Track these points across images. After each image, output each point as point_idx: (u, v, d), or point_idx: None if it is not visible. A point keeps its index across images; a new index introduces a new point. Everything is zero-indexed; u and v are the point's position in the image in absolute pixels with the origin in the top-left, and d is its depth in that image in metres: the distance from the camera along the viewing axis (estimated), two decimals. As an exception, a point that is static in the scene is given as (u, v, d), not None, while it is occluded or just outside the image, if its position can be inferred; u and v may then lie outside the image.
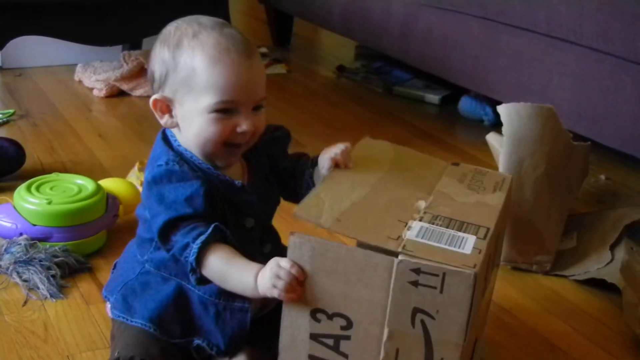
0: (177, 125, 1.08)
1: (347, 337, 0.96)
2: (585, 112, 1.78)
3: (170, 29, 1.07)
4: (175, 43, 1.05)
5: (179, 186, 1.03)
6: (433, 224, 0.99)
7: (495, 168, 1.52)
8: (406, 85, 2.79)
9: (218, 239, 1.01)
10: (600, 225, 1.62)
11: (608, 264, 1.48)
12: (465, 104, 2.54)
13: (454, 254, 0.93)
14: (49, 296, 1.35)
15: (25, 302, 1.34)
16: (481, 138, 1.74)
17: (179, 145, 1.09)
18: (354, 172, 1.10)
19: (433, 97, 2.69)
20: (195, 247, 1.00)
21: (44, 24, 2.22)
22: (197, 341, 1.09)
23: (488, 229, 1.00)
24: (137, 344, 1.07)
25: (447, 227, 0.99)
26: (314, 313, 0.97)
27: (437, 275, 0.90)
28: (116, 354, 1.06)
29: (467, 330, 0.91)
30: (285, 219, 1.67)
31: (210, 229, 1.00)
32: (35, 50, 2.75)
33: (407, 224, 0.98)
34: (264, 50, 3.20)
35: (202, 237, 1.00)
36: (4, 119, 2.24)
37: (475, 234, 0.98)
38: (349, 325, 0.96)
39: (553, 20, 1.83)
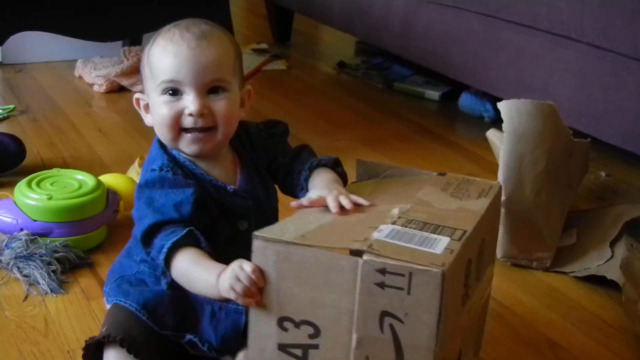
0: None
1: (316, 346, 0.91)
2: (585, 108, 1.78)
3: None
4: (148, 44, 1.11)
5: (170, 192, 1.04)
6: (406, 226, 0.94)
7: (496, 164, 1.52)
8: (406, 82, 2.79)
9: (190, 243, 1.01)
10: (600, 221, 1.62)
11: (608, 260, 1.48)
12: (465, 101, 2.54)
13: (423, 254, 0.87)
14: (49, 291, 1.35)
15: (26, 297, 1.35)
16: (481, 134, 1.74)
17: (171, 156, 1.10)
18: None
19: (433, 94, 2.69)
20: (165, 248, 1.00)
21: (44, 20, 2.21)
22: (189, 337, 1.09)
23: (465, 232, 0.94)
24: (126, 327, 1.06)
25: (420, 230, 0.94)
26: (281, 321, 0.91)
27: (403, 276, 0.84)
28: (104, 330, 1.06)
29: (438, 334, 0.85)
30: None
31: (184, 232, 1.00)
32: (36, 46, 2.75)
33: (377, 228, 0.93)
34: (264, 46, 3.20)
35: (174, 239, 1.00)
36: (4, 115, 2.24)
37: (450, 236, 0.92)
38: (317, 333, 0.90)
39: (554, 16, 1.83)
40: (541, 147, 1.49)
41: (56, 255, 1.42)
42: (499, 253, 1.54)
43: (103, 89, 2.52)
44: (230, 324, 1.08)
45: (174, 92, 1.05)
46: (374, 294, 0.86)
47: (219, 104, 1.06)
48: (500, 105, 1.51)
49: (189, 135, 1.07)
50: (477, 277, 1.02)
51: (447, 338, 0.89)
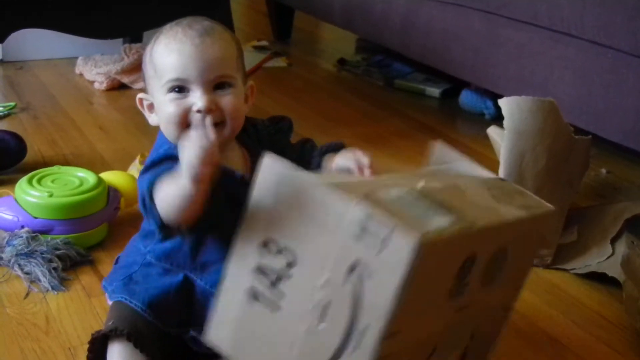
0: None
1: (289, 276, 0.89)
2: (586, 105, 1.78)
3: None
4: (150, 43, 1.11)
5: (177, 164, 1.03)
6: (417, 197, 0.90)
7: (496, 161, 1.52)
8: (407, 79, 2.79)
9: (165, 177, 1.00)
10: (601, 219, 1.62)
11: (609, 257, 1.48)
12: (466, 98, 2.54)
13: (415, 220, 0.83)
14: (50, 288, 1.36)
15: (27, 295, 1.35)
16: (482, 132, 1.74)
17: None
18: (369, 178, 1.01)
19: (434, 91, 2.69)
20: (145, 186, 1.00)
21: (45, 17, 2.21)
22: (192, 332, 1.09)
23: (473, 223, 0.89)
24: (132, 321, 1.06)
25: (429, 205, 0.89)
26: (266, 242, 0.91)
27: (386, 229, 0.80)
28: (110, 323, 1.06)
29: (397, 305, 0.81)
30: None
31: (169, 167, 1.00)
32: (36, 43, 2.75)
33: (389, 188, 0.90)
34: (264, 43, 3.20)
35: (152, 178, 1.00)
36: (5, 112, 2.24)
37: (452, 220, 0.87)
38: (294, 262, 0.89)
39: (554, 13, 1.83)
40: (542, 144, 1.49)
41: (57, 252, 1.42)
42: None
43: (104, 86, 2.52)
44: None
45: (180, 89, 1.05)
46: (354, 239, 0.84)
47: (226, 99, 1.06)
48: (501, 102, 1.51)
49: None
50: (485, 282, 0.98)
51: (412, 320, 0.87)
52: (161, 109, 1.08)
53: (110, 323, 1.06)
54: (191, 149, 0.90)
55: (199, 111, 1.04)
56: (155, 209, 1.00)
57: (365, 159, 1.02)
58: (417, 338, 0.92)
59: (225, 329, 0.97)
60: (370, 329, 0.83)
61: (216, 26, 1.09)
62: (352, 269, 0.84)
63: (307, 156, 1.16)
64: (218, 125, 1.06)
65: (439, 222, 0.85)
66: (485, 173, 1.10)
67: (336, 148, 1.13)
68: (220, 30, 1.09)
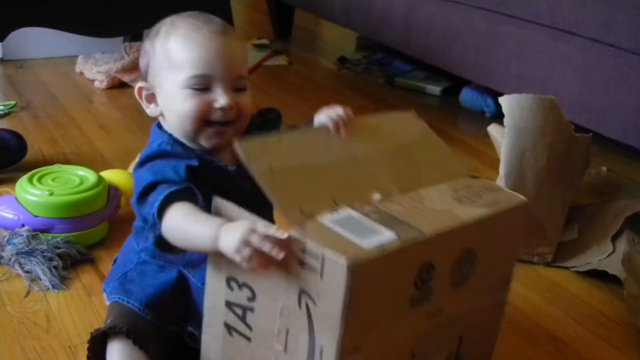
0: (161, 113, 1.10)
1: (252, 309, 0.94)
2: (587, 103, 1.78)
3: (155, 25, 1.11)
4: (154, 33, 1.09)
5: (171, 160, 1.03)
6: (364, 215, 0.93)
7: (497, 159, 1.52)
8: (407, 77, 2.79)
9: (187, 198, 0.99)
10: (601, 216, 1.62)
11: (609, 255, 1.48)
12: (466, 96, 2.54)
13: (350, 245, 0.87)
14: (51, 287, 1.36)
15: (28, 293, 1.35)
16: (482, 129, 1.74)
17: (171, 135, 1.09)
18: (340, 138, 1.05)
19: (434, 89, 2.69)
20: (160, 198, 0.98)
21: (45, 16, 2.22)
22: (190, 328, 1.09)
23: (420, 232, 0.91)
24: (131, 319, 1.06)
25: (375, 221, 0.92)
26: (229, 280, 0.95)
27: (318, 259, 0.85)
28: (109, 321, 1.06)
29: (344, 324, 0.85)
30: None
31: (182, 186, 0.99)
32: (37, 41, 2.75)
33: (337, 207, 0.94)
34: (265, 41, 3.20)
35: (171, 189, 0.99)
36: (6, 111, 2.24)
37: (397, 234, 0.90)
38: (253, 297, 0.94)
39: (555, 11, 1.83)
40: (542, 142, 1.49)
41: (57, 251, 1.42)
42: (500, 248, 1.55)
43: (104, 85, 2.52)
44: None
45: (201, 84, 1.04)
46: (297, 270, 0.88)
47: (243, 100, 1.07)
48: (502, 100, 1.51)
49: (212, 128, 1.06)
50: (456, 284, 0.99)
51: (373, 334, 0.90)
52: (175, 101, 1.06)
53: (109, 321, 1.06)
54: (243, 245, 0.89)
55: (221, 109, 1.04)
56: (159, 229, 1.00)
57: (340, 113, 1.06)
58: (386, 350, 0.94)
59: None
60: (325, 350, 0.88)
61: (223, 22, 1.09)
62: (300, 295, 0.89)
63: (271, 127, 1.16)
64: (230, 123, 1.06)
65: (380, 239, 0.88)
66: (445, 159, 1.14)
67: (312, 118, 1.14)
68: (233, 29, 1.09)
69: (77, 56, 2.71)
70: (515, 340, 1.30)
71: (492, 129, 1.64)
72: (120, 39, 2.74)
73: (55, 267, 1.39)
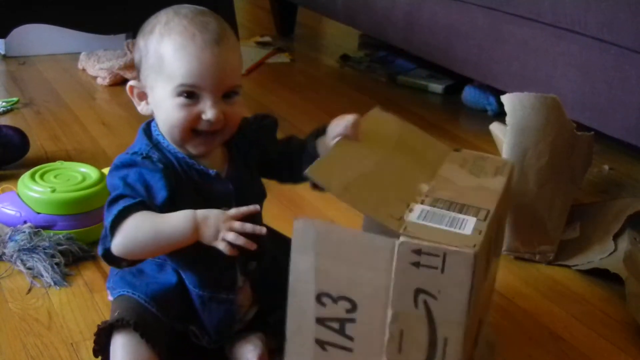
0: (152, 112, 1.09)
1: (353, 320, 0.97)
2: (589, 102, 1.78)
3: (151, 18, 1.09)
4: (149, 31, 1.07)
5: (139, 170, 1.03)
6: (434, 206, 1.00)
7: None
8: (410, 75, 2.79)
9: (143, 209, 1.00)
10: (603, 215, 1.62)
11: (611, 254, 1.48)
12: (468, 94, 2.54)
13: (454, 235, 0.94)
14: (52, 284, 1.36)
15: (29, 290, 1.35)
16: (485, 128, 1.74)
17: (158, 135, 1.09)
18: (362, 144, 1.09)
19: (437, 87, 2.69)
20: (115, 210, 0.99)
21: (47, 12, 2.21)
22: (192, 327, 1.09)
23: (488, 211, 1.00)
24: (138, 312, 1.06)
25: (447, 210, 1.00)
26: (320, 297, 0.97)
27: (437, 256, 0.90)
28: (116, 314, 1.05)
29: (469, 310, 0.92)
30: (289, 207, 1.67)
31: (137, 200, 1.00)
32: (39, 38, 2.75)
33: (409, 205, 0.99)
34: (267, 39, 3.20)
35: (126, 203, 0.99)
36: (8, 107, 2.24)
37: (476, 216, 0.98)
38: (354, 308, 0.96)
39: (558, 10, 1.83)
40: (544, 141, 1.49)
41: (60, 247, 1.42)
42: (502, 246, 1.55)
43: (106, 81, 2.52)
44: (222, 314, 1.09)
45: (190, 95, 1.03)
46: (409, 272, 0.92)
47: (232, 109, 1.06)
48: (504, 98, 1.51)
49: (199, 138, 1.06)
50: (495, 252, 1.10)
51: (474, 311, 0.95)
52: (165, 108, 1.05)
53: (117, 314, 1.05)
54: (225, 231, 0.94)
55: (208, 121, 1.04)
56: (113, 237, 1.00)
57: (353, 120, 1.08)
58: (475, 321, 1.02)
59: None
60: (450, 340, 0.93)
61: (227, 28, 1.07)
62: (416, 295, 0.93)
63: (295, 149, 1.16)
64: (218, 132, 1.06)
65: (470, 225, 0.96)
66: (428, 140, 1.23)
67: (323, 129, 1.15)
68: (231, 34, 1.07)
69: (79, 53, 2.71)
70: (516, 338, 1.30)
71: (495, 127, 1.64)
72: (122, 36, 2.74)
73: (57, 264, 1.39)
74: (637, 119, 1.68)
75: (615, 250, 1.48)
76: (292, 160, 1.15)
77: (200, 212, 0.97)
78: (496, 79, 2.10)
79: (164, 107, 1.06)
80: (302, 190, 1.79)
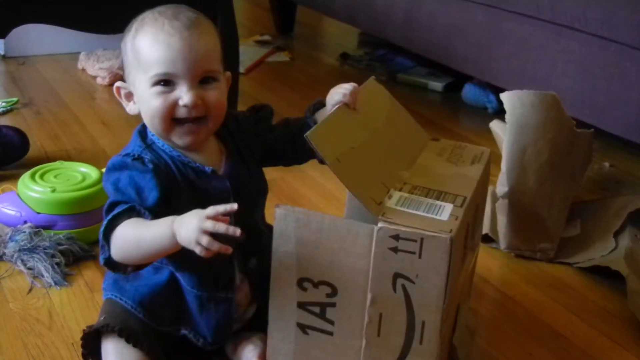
0: (139, 111, 1.09)
1: (333, 304, 1.00)
2: (589, 99, 1.78)
3: (133, 20, 1.10)
4: (128, 30, 1.10)
5: (131, 174, 1.03)
6: (412, 193, 1.03)
7: (499, 155, 1.52)
8: (409, 73, 2.79)
9: (133, 216, 1.00)
10: (604, 212, 1.62)
11: (612, 251, 1.48)
12: (468, 92, 2.54)
13: (431, 221, 0.96)
14: (53, 284, 1.36)
15: (30, 290, 1.35)
16: (484, 125, 1.74)
17: (153, 135, 1.09)
18: (357, 115, 1.11)
19: (436, 85, 2.69)
20: (105, 220, 0.99)
21: (47, 12, 2.21)
22: (184, 331, 1.09)
23: (465, 198, 1.03)
24: (124, 317, 1.06)
25: (425, 197, 1.02)
26: (301, 282, 1.00)
27: (415, 241, 0.93)
28: (102, 319, 1.06)
29: (446, 293, 0.94)
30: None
31: (126, 206, 1.00)
32: (39, 38, 2.75)
33: (388, 191, 1.02)
34: (267, 37, 3.20)
35: (115, 211, 0.99)
36: (8, 108, 2.24)
37: (453, 203, 1.01)
38: (334, 292, 0.99)
39: (557, 7, 1.83)
40: (544, 138, 1.49)
41: (60, 247, 1.42)
42: (502, 244, 1.55)
43: (106, 81, 2.52)
44: (221, 314, 1.08)
45: (166, 83, 1.04)
46: (387, 257, 0.95)
47: (211, 94, 1.05)
48: (503, 96, 1.51)
49: (182, 127, 1.05)
50: (472, 237, 1.13)
51: (451, 295, 0.98)
52: (145, 101, 1.06)
53: (102, 319, 1.06)
54: (200, 234, 0.92)
55: (185, 106, 1.03)
56: (110, 246, 1.00)
57: (351, 88, 1.12)
58: (453, 305, 1.05)
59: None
60: (428, 322, 0.97)
61: (201, 17, 1.07)
62: (394, 280, 0.96)
63: (295, 129, 1.17)
64: (201, 119, 1.06)
65: (446, 212, 0.99)
66: (412, 123, 1.28)
67: (319, 103, 1.18)
68: (205, 22, 1.08)
69: (79, 53, 2.71)
70: (517, 336, 1.30)
71: (494, 125, 1.64)
72: (122, 36, 2.73)
73: (57, 263, 1.39)
74: (637, 115, 1.67)
75: (616, 247, 1.48)
76: (294, 141, 1.16)
77: (179, 217, 0.95)
78: (496, 77, 2.10)
79: (144, 100, 1.06)
80: (303, 188, 1.80)
